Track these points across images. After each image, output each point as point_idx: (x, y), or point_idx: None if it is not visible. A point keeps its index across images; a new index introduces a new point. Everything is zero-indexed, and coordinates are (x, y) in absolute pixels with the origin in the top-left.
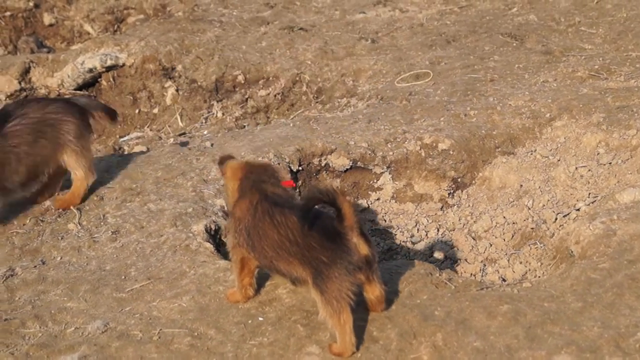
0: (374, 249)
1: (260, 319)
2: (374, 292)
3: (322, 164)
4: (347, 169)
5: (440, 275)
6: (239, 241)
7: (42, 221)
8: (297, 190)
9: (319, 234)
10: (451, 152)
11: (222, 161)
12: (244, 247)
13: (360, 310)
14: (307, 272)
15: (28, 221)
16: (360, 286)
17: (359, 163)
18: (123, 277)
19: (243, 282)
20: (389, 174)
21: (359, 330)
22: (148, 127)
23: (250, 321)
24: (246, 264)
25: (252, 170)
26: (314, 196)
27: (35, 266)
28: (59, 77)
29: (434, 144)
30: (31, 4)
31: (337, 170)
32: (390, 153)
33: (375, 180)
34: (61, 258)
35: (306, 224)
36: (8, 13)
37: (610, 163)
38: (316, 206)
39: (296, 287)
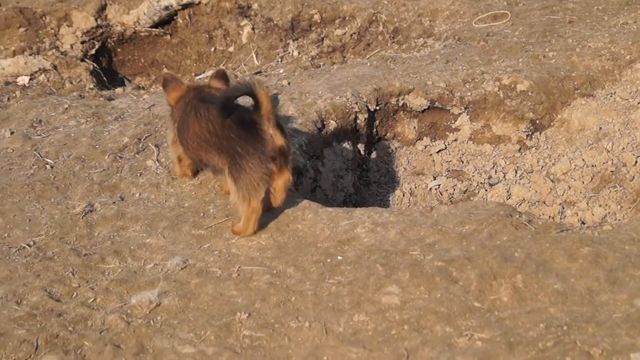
0: (290, 140)
1: (339, 257)
2: (282, 177)
3: (400, 104)
4: (424, 109)
5: (520, 216)
6: (173, 138)
7: (120, 157)
8: None
9: (236, 125)
10: (530, 94)
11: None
12: (177, 143)
13: (440, 251)
14: (224, 162)
15: (107, 157)
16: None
17: (436, 103)
18: (202, 214)
19: (182, 168)
20: (467, 114)
21: (438, 271)
22: (224, 65)
23: (329, 260)
24: (182, 159)
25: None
26: (233, 88)
27: (114, 202)
28: (135, 14)
29: (513, 85)
30: None
31: (414, 110)
32: (468, 94)
33: (452, 121)
34: (140, 194)
35: (223, 115)
36: None
37: None
38: (237, 99)
39: (216, 177)
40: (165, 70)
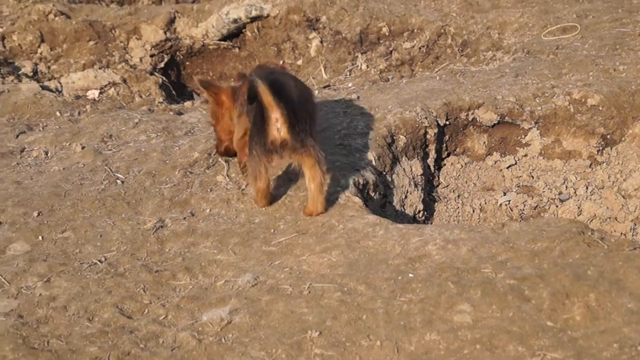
0: (299, 136)
1: (410, 275)
2: (314, 180)
3: (469, 119)
4: (494, 124)
5: (592, 234)
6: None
7: (190, 173)
8: None
9: (254, 114)
10: (600, 108)
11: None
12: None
13: (511, 269)
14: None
15: (177, 173)
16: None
17: (506, 118)
18: (272, 230)
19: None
20: (537, 129)
21: (510, 289)
22: None
23: (400, 277)
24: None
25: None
26: (251, 87)
27: (184, 218)
28: (204, 27)
29: (583, 100)
30: None
31: (484, 125)
32: (539, 108)
33: (523, 136)
34: (210, 210)
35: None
36: None
37: None
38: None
39: None
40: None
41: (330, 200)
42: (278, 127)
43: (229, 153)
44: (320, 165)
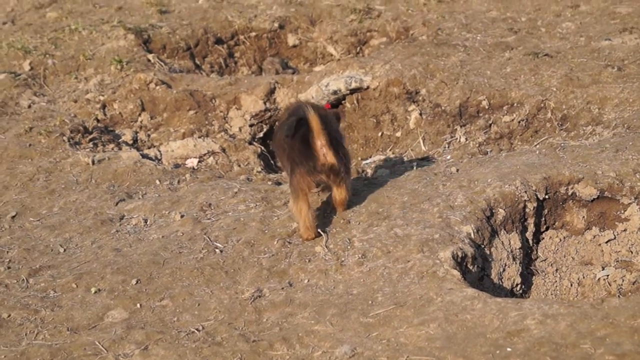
0: (343, 161)
1: (509, 349)
2: (340, 194)
3: (569, 193)
4: (593, 199)
5: None
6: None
7: (289, 243)
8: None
9: (298, 141)
10: None
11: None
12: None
13: (611, 345)
14: (287, 167)
15: (276, 243)
16: (327, 188)
17: (606, 193)
18: (370, 301)
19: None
20: (637, 204)
21: None
22: (390, 150)
23: (498, 351)
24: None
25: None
26: (297, 114)
27: (282, 288)
28: (303, 98)
29: None
30: (276, 24)
31: (583, 199)
32: (639, 184)
33: (622, 211)
34: (308, 281)
35: (290, 134)
36: (253, 34)
37: None
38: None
39: None
40: None
41: (428, 272)
42: (324, 152)
43: None
44: (346, 186)
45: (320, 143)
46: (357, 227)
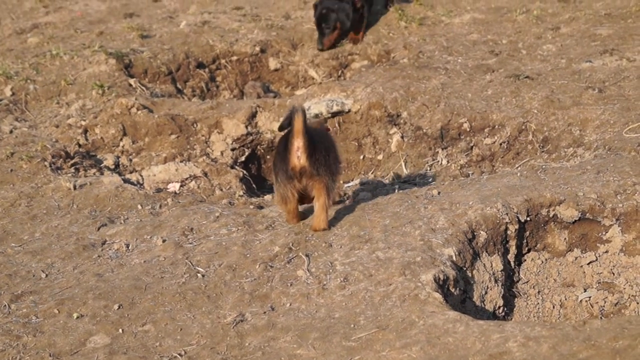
0: (321, 164)
1: None
2: (319, 199)
3: (550, 215)
4: (575, 220)
5: None
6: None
7: (271, 267)
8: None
9: (280, 143)
10: None
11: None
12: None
13: None
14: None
15: (257, 267)
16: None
17: (587, 215)
18: (352, 325)
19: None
20: (618, 226)
21: None
22: (372, 173)
23: None
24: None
25: None
26: (286, 116)
27: (264, 312)
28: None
29: None
30: (257, 48)
31: (565, 221)
32: (620, 205)
33: (603, 233)
34: (290, 305)
35: (281, 126)
36: (235, 58)
37: None
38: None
39: None
40: None
41: (410, 295)
42: (299, 155)
43: None
44: (327, 190)
45: (297, 145)
46: (339, 251)
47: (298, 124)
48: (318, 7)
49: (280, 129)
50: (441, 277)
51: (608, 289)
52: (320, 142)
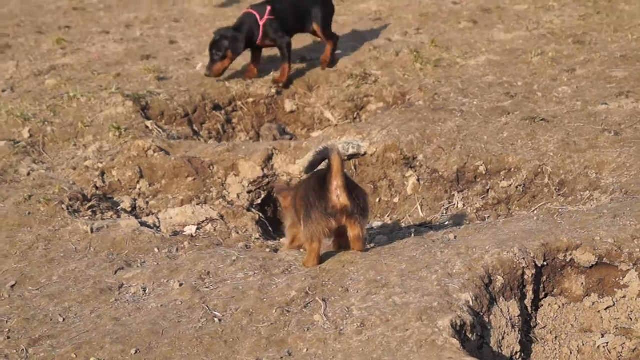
0: (358, 203)
1: None
2: (354, 231)
3: (567, 260)
4: (592, 265)
5: None
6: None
7: (288, 312)
8: None
9: (314, 181)
10: None
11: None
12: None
13: None
14: (301, 207)
15: (274, 311)
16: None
17: (604, 259)
18: None
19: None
20: (636, 271)
21: None
22: (388, 216)
23: None
24: (294, 240)
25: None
26: (318, 152)
27: (281, 357)
28: (301, 164)
29: None
30: (273, 90)
31: (582, 266)
32: (637, 250)
33: (621, 278)
34: (307, 350)
35: (309, 169)
36: (251, 99)
37: None
38: (320, 162)
39: None
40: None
41: (427, 341)
42: (338, 193)
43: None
44: (361, 225)
45: (336, 184)
46: (355, 295)
47: (337, 164)
48: (214, 34)
49: (307, 170)
50: (458, 322)
51: (626, 335)
52: (352, 181)
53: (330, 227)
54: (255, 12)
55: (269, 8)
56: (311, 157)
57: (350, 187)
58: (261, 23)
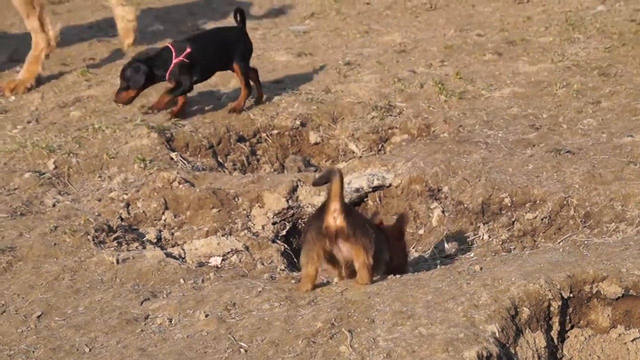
0: (355, 225)
1: None
2: (358, 258)
3: (593, 291)
4: (618, 297)
5: None
6: None
7: (314, 343)
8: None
9: (318, 210)
10: None
11: None
12: None
13: None
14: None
15: (300, 342)
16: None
17: (631, 291)
18: None
19: None
20: None
21: None
22: (414, 248)
23: None
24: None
25: None
26: (322, 174)
27: None
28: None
29: None
30: (297, 122)
31: (608, 298)
32: None
33: None
34: None
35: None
36: (275, 131)
37: None
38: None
39: None
40: None
41: None
42: (335, 216)
43: None
44: (365, 250)
45: (334, 207)
46: (381, 326)
47: (336, 188)
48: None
49: (315, 184)
50: (484, 353)
51: None
52: (362, 218)
53: (325, 248)
54: (173, 50)
55: (188, 49)
56: (318, 176)
57: (353, 212)
58: (174, 62)
